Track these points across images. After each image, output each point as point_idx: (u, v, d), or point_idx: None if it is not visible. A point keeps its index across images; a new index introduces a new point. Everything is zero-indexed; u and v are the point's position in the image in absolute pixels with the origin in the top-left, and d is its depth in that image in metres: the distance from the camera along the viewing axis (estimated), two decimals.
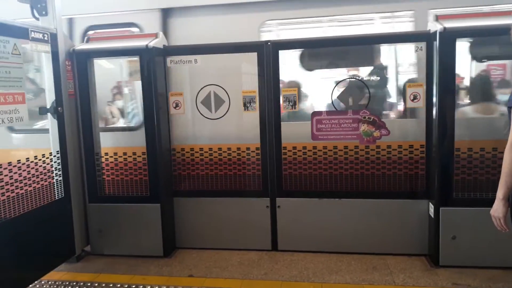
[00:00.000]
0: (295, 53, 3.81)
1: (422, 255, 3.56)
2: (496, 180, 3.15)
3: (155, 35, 3.71)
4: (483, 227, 3.22)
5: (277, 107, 3.65)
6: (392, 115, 3.72)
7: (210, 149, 3.85)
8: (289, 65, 3.76)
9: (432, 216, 3.41)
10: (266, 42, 3.60)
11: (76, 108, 3.71)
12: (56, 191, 3.37)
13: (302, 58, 3.82)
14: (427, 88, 3.42)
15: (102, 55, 3.76)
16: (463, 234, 3.31)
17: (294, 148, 3.71)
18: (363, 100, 3.66)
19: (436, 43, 3.23)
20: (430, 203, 3.47)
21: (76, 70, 3.68)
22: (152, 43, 3.57)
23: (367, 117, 3.58)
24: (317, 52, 3.83)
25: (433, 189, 3.41)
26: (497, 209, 2.01)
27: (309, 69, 3.84)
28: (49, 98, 3.41)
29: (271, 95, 3.65)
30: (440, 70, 3.22)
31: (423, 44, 3.40)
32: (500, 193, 1.99)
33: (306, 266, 3.46)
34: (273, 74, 3.61)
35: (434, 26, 3.26)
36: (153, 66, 3.59)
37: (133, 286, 3.20)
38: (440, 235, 3.33)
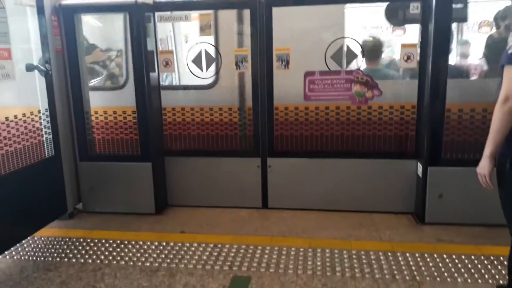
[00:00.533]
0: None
1: (409, 213, 3.66)
2: (485, 141, 3.23)
3: None
4: (469, 186, 3.29)
5: (270, 67, 3.61)
6: (385, 75, 3.70)
7: (201, 109, 3.82)
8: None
9: (420, 175, 3.48)
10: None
11: (64, 66, 3.63)
12: (46, 149, 3.35)
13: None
14: (421, 49, 3.39)
15: (90, 11, 3.64)
16: (449, 193, 3.39)
17: (286, 108, 3.71)
18: (356, 60, 3.64)
19: (433, 2, 3.18)
20: (419, 163, 3.53)
21: (63, 26, 3.57)
22: None
23: (360, 78, 3.56)
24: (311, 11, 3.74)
25: (422, 150, 3.46)
26: (484, 166, 2.03)
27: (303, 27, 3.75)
28: (36, 54, 3.33)
29: (263, 54, 3.60)
30: (435, 31, 3.19)
31: (418, 4, 3.35)
32: (487, 151, 2.01)
33: (295, 222, 3.55)
34: (266, 32, 3.55)
35: None
36: (143, 23, 3.50)
37: (126, 242, 3.26)
38: (427, 193, 3.41)
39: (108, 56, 3.90)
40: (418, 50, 3.40)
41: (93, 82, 3.85)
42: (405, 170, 3.65)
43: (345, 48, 3.63)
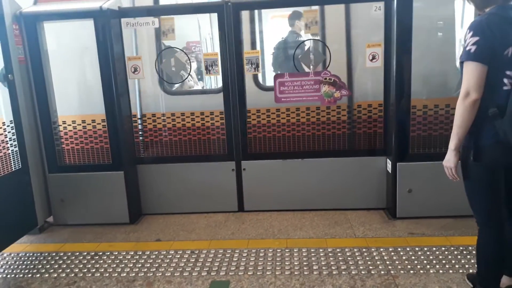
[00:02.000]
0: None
1: (381, 209, 3.76)
2: (449, 135, 3.35)
3: None
4: (436, 180, 3.43)
5: (240, 70, 3.62)
6: (352, 75, 3.78)
7: (173, 114, 3.80)
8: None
9: (390, 171, 3.58)
10: (226, 2, 3.52)
11: (28, 75, 3.53)
12: (12, 162, 3.24)
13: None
14: (385, 48, 3.49)
15: (53, 18, 3.54)
16: (418, 187, 3.50)
17: (258, 111, 3.73)
18: (323, 61, 3.71)
19: (394, 3, 3.28)
20: (388, 159, 3.63)
21: (25, 34, 3.47)
22: (107, 4, 3.41)
23: (328, 78, 3.63)
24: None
25: (390, 146, 3.56)
26: (449, 159, 2.10)
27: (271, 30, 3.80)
28: None
29: (233, 58, 3.61)
30: (398, 30, 3.29)
31: (381, 4, 3.45)
32: (452, 144, 2.07)
33: (272, 224, 3.57)
34: (235, 35, 3.56)
35: None
36: (109, 29, 3.44)
37: (100, 253, 3.19)
38: (397, 189, 3.51)
39: None
40: (383, 49, 3.50)
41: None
42: (375, 166, 3.75)
43: (312, 50, 3.71)
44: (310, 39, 3.71)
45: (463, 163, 2.11)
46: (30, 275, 2.92)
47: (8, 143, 3.22)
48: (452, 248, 2.98)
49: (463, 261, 2.79)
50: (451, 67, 3.39)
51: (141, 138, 3.85)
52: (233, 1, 3.53)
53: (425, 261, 2.83)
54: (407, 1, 3.23)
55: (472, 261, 2.79)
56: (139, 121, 3.83)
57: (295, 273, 2.75)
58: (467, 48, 1.93)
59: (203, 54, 3.69)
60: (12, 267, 3.06)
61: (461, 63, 2.00)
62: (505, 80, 1.94)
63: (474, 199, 2.16)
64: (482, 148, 2.01)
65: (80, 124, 3.67)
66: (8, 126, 3.23)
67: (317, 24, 3.62)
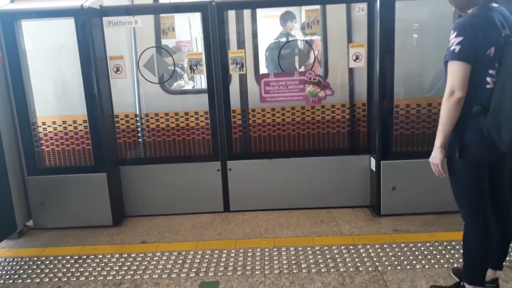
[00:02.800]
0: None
1: (365, 207, 3.81)
2: (431, 134, 3.43)
3: None
4: (419, 177, 3.50)
5: (225, 70, 3.61)
6: (336, 75, 3.82)
7: (156, 114, 3.75)
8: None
9: (374, 169, 3.63)
10: (211, 2, 3.50)
11: (5, 75, 3.41)
12: None
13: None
14: (368, 48, 3.54)
15: (31, 16, 3.43)
16: (401, 185, 3.56)
17: (244, 111, 3.72)
18: (308, 61, 3.74)
19: (377, 4, 3.33)
20: (372, 158, 3.68)
21: (1, 33, 3.36)
22: (88, 2, 3.34)
23: (312, 78, 3.66)
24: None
25: (374, 145, 3.62)
26: (435, 156, 2.14)
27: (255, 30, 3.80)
28: None
29: (217, 58, 3.59)
30: (381, 31, 3.35)
31: (364, 5, 3.50)
32: (438, 142, 2.12)
33: (258, 223, 3.57)
34: (219, 35, 3.55)
35: None
36: (90, 28, 3.37)
37: (84, 257, 3.12)
38: (381, 187, 3.56)
39: None
40: (366, 49, 3.56)
41: None
42: (359, 165, 3.79)
43: (296, 50, 3.73)
44: (296, 40, 3.74)
45: (449, 159, 2.16)
46: (11, 281, 2.82)
47: None
48: (437, 244, 3.04)
49: (447, 256, 2.86)
50: (433, 68, 3.47)
51: (124, 139, 3.78)
52: (218, 1, 3.52)
53: (411, 257, 2.88)
54: (390, 2, 3.29)
55: (457, 255, 2.86)
56: (121, 122, 3.76)
57: (284, 271, 2.76)
58: (452, 48, 1.98)
59: (187, 54, 3.65)
60: None
61: (445, 62, 2.05)
62: (488, 79, 2.00)
63: (460, 195, 2.21)
64: (467, 145, 2.06)
65: (60, 125, 3.57)
66: None
67: (319, 24, 3.64)
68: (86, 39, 3.37)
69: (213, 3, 3.51)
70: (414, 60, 3.54)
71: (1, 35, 3.36)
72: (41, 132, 3.58)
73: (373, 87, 3.56)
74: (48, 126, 3.57)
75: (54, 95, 3.57)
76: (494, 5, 2.05)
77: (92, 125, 3.51)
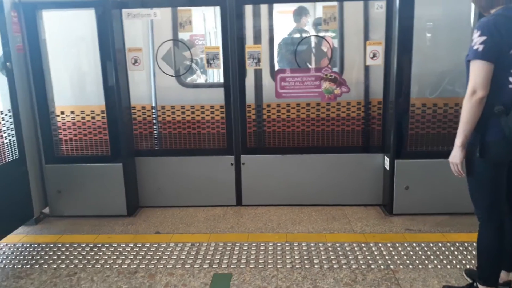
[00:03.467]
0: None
1: (377, 205, 3.81)
2: (446, 134, 3.41)
3: None
4: (432, 177, 3.50)
5: (241, 65, 3.62)
6: (352, 72, 3.81)
7: (173, 107, 3.78)
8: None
9: (387, 168, 3.63)
10: None
11: (26, 64, 3.47)
12: (10, 151, 3.19)
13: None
14: (386, 46, 3.53)
15: (52, 6, 3.47)
16: (415, 185, 3.56)
17: (258, 106, 3.74)
18: (325, 57, 3.73)
19: (396, 2, 3.31)
20: (386, 156, 3.68)
21: (23, 22, 3.41)
22: None
23: (328, 75, 3.66)
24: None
25: (388, 143, 3.61)
26: (455, 155, 2.14)
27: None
28: None
29: (234, 52, 3.61)
30: (399, 29, 3.33)
31: (383, 3, 3.48)
32: (458, 141, 2.12)
33: (270, 218, 3.60)
34: (237, 29, 3.56)
35: None
36: (110, 19, 3.41)
37: (99, 245, 3.18)
38: (395, 185, 3.56)
39: None
40: (383, 47, 3.54)
41: None
42: (372, 163, 3.79)
43: (313, 46, 3.73)
44: (311, 36, 3.74)
45: (468, 159, 2.14)
46: (28, 266, 2.88)
47: (5, 132, 3.17)
48: (449, 244, 3.04)
49: (460, 257, 2.86)
50: (451, 67, 3.45)
51: (140, 130, 3.83)
52: None
53: (423, 257, 2.88)
54: (409, 1, 3.26)
55: (469, 257, 2.86)
56: (138, 113, 3.80)
57: (297, 266, 2.78)
58: (475, 47, 1.97)
59: (205, 48, 3.68)
60: (9, 257, 3.03)
61: (467, 62, 2.05)
62: (511, 79, 2.00)
63: (476, 195, 2.21)
64: (488, 145, 2.05)
65: (78, 115, 3.63)
66: (6, 115, 3.17)
67: (335, 20, 3.63)
68: (105, 30, 3.40)
69: None
70: (433, 59, 3.52)
71: (22, 25, 3.41)
72: (60, 121, 3.64)
73: (390, 85, 3.54)
74: (67, 115, 3.63)
75: (73, 85, 3.62)
76: None
77: (110, 115, 3.55)
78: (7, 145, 3.17)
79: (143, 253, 3.03)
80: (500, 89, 2.01)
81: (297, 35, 3.86)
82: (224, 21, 3.57)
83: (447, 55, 3.48)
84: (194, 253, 3.01)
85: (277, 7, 3.77)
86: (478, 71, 1.98)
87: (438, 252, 2.94)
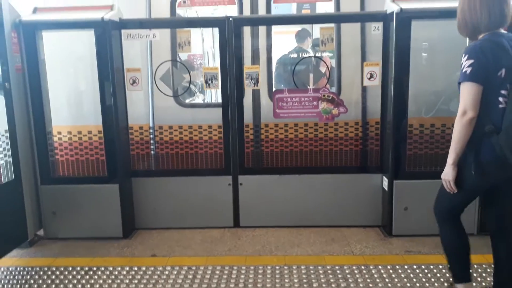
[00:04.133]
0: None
1: (376, 226, 3.77)
2: (444, 154, 3.41)
3: (110, 7, 3.52)
4: (432, 198, 3.44)
5: (239, 85, 3.63)
6: (350, 93, 3.83)
7: (170, 127, 3.77)
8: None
9: (386, 189, 3.60)
10: (228, 17, 3.54)
11: (25, 84, 3.46)
12: (6, 173, 3.16)
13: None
14: (383, 66, 3.56)
15: (52, 27, 3.50)
16: (414, 205, 3.53)
17: (256, 126, 3.74)
18: (323, 78, 3.76)
19: (393, 24, 3.35)
20: (384, 177, 3.66)
21: (23, 43, 3.42)
22: (108, 15, 3.39)
23: (326, 95, 3.67)
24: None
25: (386, 164, 3.60)
26: (448, 173, 2.23)
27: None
28: None
29: (233, 73, 3.62)
30: (396, 50, 3.35)
31: (380, 24, 3.52)
32: (450, 159, 2.20)
33: (268, 240, 3.55)
34: (235, 50, 3.58)
35: (391, 7, 3.37)
36: (109, 40, 3.42)
37: (94, 268, 3.11)
38: (394, 206, 3.53)
39: None
40: (380, 68, 3.57)
41: None
42: (370, 184, 3.77)
43: (311, 67, 3.76)
44: (310, 56, 3.77)
45: (460, 175, 2.22)
46: None
47: (1, 153, 3.14)
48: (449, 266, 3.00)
49: None
50: (448, 88, 3.47)
51: (137, 151, 3.81)
52: (235, 17, 3.56)
53: (423, 279, 2.84)
54: (406, 22, 3.30)
55: None
56: (135, 133, 3.79)
57: None
58: (463, 70, 2.09)
59: (203, 68, 3.70)
60: (2, 282, 2.96)
61: (459, 84, 2.13)
62: (500, 99, 2.10)
63: (446, 200, 2.36)
64: (482, 163, 2.14)
65: (75, 135, 3.61)
66: (2, 135, 3.15)
67: (333, 42, 3.68)
68: (105, 51, 3.41)
69: (231, 19, 3.55)
70: (429, 79, 3.55)
71: (22, 45, 3.41)
72: (56, 141, 3.61)
73: (387, 106, 3.55)
74: (63, 135, 3.60)
75: (70, 105, 3.61)
76: (503, 31, 2.17)
77: (107, 136, 3.53)
78: (3, 166, 3.14)
79: (139, 277, 2.97)
80: (490, 109, 2.10)
81: (295, 56, 3.90)
82: (223, 42, 3.59)
83: (443, 75, 3.51)
84: (191, 277, 2.95)
85: (274, 28, 3.82)
86: (468, 92, 2.08)
87: (439, 275, 2.90)
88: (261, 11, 3.87)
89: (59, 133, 3.60)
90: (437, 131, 3.51)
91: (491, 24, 2.14)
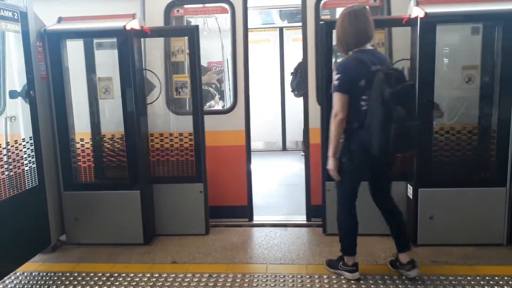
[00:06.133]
0: None
1: None
2: (470, 161, 3.33)
3: (132, 16, 3.55)
4: (458, 207, 3.37)
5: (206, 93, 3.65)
6: None
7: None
8: None
9: (411, 197, 3.51)
10: (197, 26, 3.61)
11: (49, 92, 3.52)
12: (29, 179, 3.20)
13: None
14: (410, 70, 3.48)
15: (76, 36, 3.59)
16: (439, 214, 3.42)
17: None
18: None
19: (417, 29, 3.28)
20: (409, 185, 3.57)
21: (48, 51, 3.48)
22: (130, 24, 3.43)
23: None
24: None
25: (411, 171, 3.51)
26: (330, 163, 2.79)
27: None
28: (20, 81, 3.23)
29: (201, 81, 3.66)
30: (420, 54, 3.28)
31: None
32: (330, 152, 2.77)
33: (289, 248, 3.49)
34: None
35: (415, 11, 3.30)
36: (131, 48, 3.45)
37: (116, 275, 3.12)
38: (419, 215, 3.43)
39: None
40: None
41: None
42: (395, 192, 3.65)
43: None
44: None
45: (340, 163, 2.78)
46: None
47: (26, 160, 3.19)
48: (478, 278, 2.89)
49: None
50: (474, 94, 3.38)
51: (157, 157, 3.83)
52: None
53: None
54: (431, 27, 3.22)
55: None
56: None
57: None
58: (333, 83, 2.69)
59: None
60: (25, 286, 2.99)
61: (331, 93, 2.71)
62: (363, 103, 2.67)
63: (341, 186, 2.90)
64: (352, 152, 2.73)
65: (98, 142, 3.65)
66: (27, 142, 3.20)
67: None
68: (127, 58, 3.44)
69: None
70: (451, 84, 3.47)
71: (47, 54, 3.48)
72: (79, 148, 3.66)
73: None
74: (86, 142, 3.64)
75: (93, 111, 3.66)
76: (369, 47, 2.74)
77: (130, 142, 3.55)
78: (27, 172, 3.19)
79: (160, 284, 2.96)
80: (357, 111, 2.68)
81: None
82: (193, 50, 3.60)
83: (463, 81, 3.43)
84: (211, 285, 2.92)
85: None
86: (337, 99, 2.68)
87: (467, 287, 2.79)
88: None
89: (82, 140, 3.64)
90: (464, 137, 3.40)
91: (359, 42, 2.69)
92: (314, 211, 3.97)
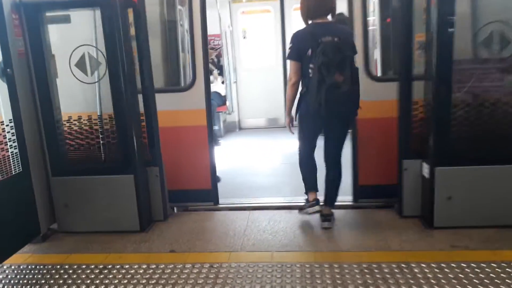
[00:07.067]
0: None
1: (415, 217, 3.40)
2: (494, 136, 3.04)
3: None
4: (478, 186, 3.11)
5: None
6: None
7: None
8: None
9: (427, 176, 3.24)
10: None
11: (29, 70, 3.22)
12: (12, 165, 2.94)
13: None
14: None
15: (56, 7, 3.24)
16: (458, 194, 3.15)
17: None
18: None
19: None
20: (424, 163, 3.29)
21: (25, 25, 3.16)
22: None
23: None
24: None
25: (426, 149, 3.22)
26: (286, 120, 3.31)
27: None
28: None
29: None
30: (438, 24, 2.95)
31: None
32: (286, 111, 3.28)
33: (295, 233, 3.26)
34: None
35: None
36: (117, 20, 3.12)
37: (109, 266, 2.89)
38: (435, 196, 3.17)
39: None
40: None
41: None
42: (409, 171, 3.40)
43: None
44: None
45: (297, 117, 3.26)
46: None
47: (7, 145, 2.92)
48: (504, 265, 2.64)
49: None
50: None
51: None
52: None
53: (475, 280, 2.50)
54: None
55: None
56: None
57: None
58: (287, 51, 3.12)
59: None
60: (12, 281, 2.78)
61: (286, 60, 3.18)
62: (310, 71, 2.99)
63: (300, 134, 3.33)
64: (303, 110, 3.14)
65: (86, 123, 3.36)
66: (7, 125, 2.92)
67: None
68: (112, 31, 3.12)
69: None
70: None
71: (24, 28, 3.15)
72: (66, 130, 3.38)
73: (427, 82, 3.16)
74: (73, 123, 3.36)
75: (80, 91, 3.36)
76: (319, 21, 3.10)
77: (120, 123, 3.27)
78: (9, 158, 2.92)
79: (157, 276, 2.73)
80: (305, 78, 3.07)
81: None
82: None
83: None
84: (213, 276, 2.69)
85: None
86: (290, 66, 3.14)
87: (492, 274, 2.55)
88: None
89: (69, 120, 3.36)
90: (486, 111, 3.10)
91: (315, 15, 3.09)
92: (363, 192, 3.72)
